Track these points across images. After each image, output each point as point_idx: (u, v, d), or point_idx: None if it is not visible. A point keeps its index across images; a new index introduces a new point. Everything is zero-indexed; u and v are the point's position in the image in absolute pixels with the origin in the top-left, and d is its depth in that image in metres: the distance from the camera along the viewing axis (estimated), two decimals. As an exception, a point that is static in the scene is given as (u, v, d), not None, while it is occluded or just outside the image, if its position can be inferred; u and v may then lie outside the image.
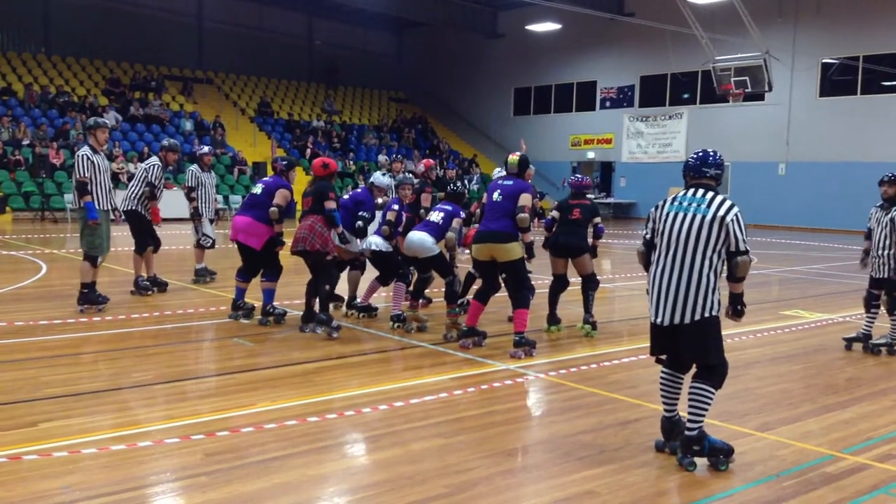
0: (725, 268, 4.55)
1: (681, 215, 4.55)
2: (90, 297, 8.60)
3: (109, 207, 8.59)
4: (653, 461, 4.62)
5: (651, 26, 25.59)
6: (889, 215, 7.58)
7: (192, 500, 3.96)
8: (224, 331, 8.06)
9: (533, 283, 7.63)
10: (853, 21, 24.91)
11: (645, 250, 4.82)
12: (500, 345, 7.50)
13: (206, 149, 11.41)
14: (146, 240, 9.86)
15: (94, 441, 4.69)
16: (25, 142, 23.82)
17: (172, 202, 16.91)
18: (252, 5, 33.97)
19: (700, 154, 4.71)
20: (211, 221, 10.96)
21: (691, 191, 4.61)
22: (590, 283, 8.26)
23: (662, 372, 4.75)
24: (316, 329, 7.58)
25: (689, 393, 4.55)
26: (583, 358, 7.23)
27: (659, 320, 4.58)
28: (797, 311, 10.00)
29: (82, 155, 8.38)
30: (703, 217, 4.46)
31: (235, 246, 8.40)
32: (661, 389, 4.74)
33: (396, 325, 8.14)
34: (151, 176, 9.78)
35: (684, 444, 4.52)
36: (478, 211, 7.48)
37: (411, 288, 8.47)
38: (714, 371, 4.56)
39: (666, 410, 4.73)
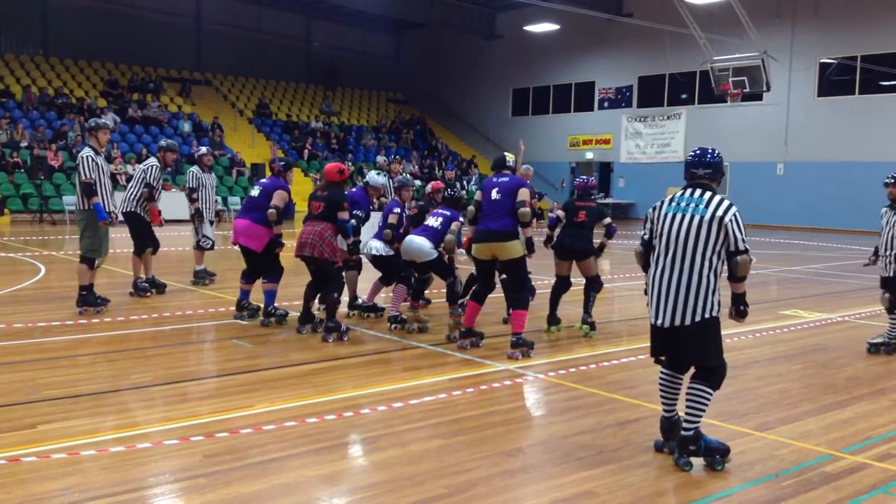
0: (726, 268, 4.55)
1: (679, 216, 4.54)
2: (89, 300, 8.59)
3: (110, 209, 8.60)
4: (652, 461, 4.62)
5: (649, 27, 25.59)
6: None
7: (191, 502, 3.96)
8: (223, 332, 8.06)
9: (533, 283, 7.63)
10: (851, 21, 24.95)
11: (643, 251, 4.81)
12: (498, 345, 7.50)
13: (204, 149, 11.40)
14: (145, 241, 9.86)
15: (94, 443, 4.68)
16: (24, 144, 23.81)
17: (170, 203, 16.88)
18: (250, 7, 33.99)
19: (698, 152, 4.69)
20: (211, 223, 10.95)
21: (689, 191, 4.60)
22: (593, 285, 8.26)
23: (661, 372, 4.75)
24: (327, 338, 7.55)
25: (687, 393, 4.55)
26: (582, 358, 7.23)
27: (659, 322, 4.58)
28: (796, 311, 10.01)
29: (87, 156, 8.38)
30: (702, 217, 4.46)
31: (234, 248, 8.41)
32: (661, 390, 4.74)
33: (394, 326, 8.14)
34: (150, 177, 9.77)
35: (680, 443, 4.52)
36: (471, 208, 7.39)
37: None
38: (713, 372, 4.55)
39: (665, 410, 4.73)
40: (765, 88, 22.73)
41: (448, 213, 8.02)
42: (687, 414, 4.51)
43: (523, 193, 7.11)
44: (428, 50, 37.83)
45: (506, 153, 7.61)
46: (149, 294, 9.80)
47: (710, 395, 4.53)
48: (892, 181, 7.57)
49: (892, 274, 7.54)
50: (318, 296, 7.97)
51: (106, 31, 30.13)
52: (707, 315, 4.46)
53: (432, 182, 9.43)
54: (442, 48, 37.03)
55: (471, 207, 7.42)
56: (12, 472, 4.21)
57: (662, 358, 4.74)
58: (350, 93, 37.09)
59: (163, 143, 10.45)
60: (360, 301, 8.90)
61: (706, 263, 4.46)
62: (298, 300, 8.37)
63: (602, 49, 31.42)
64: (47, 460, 4.38)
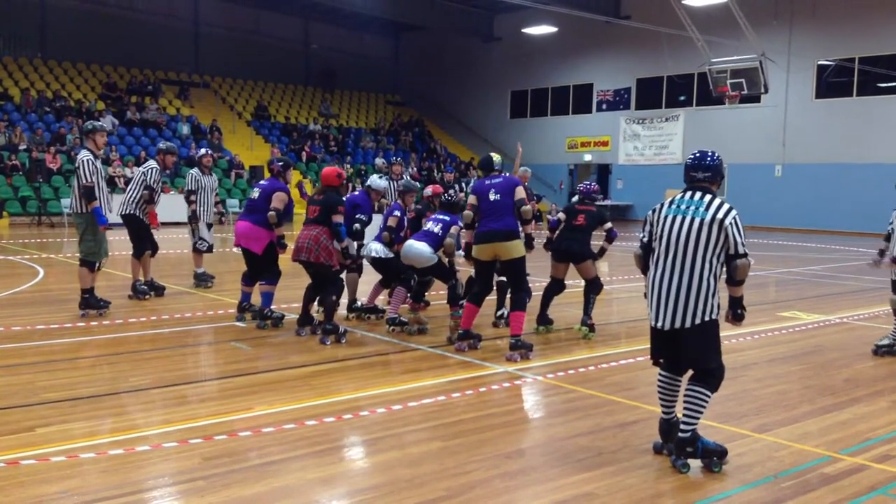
0: (724, 271, 4.55)
1: (679, 218, 4.54)
2: (91, 303, 8.60)
3: (108, 212, 8.61)
4: (651, 463, 4.63)
5: (647, 29, 25.64)
6: None
7: (190, 505, 3.96)
8: (222, 335, 8.06)
9: (530, 286, 7.63)
10: (848, 23, 24.99)
11: (642, 254, 4.80)
12: (497, 348, 7.51)
13: (203, 151, 11.37)
14: (144, 244, 9.86)
15: (92, 446, 4.68)
16: (22, 146, 23.81)
17: (169, 206, 16.90)
18: (248, 9, 34.00)
19: (697, 155, 4.69)
20: (209, 226, 10.94)
21: (689, 193, 4.60)
22: (593, 287, 8.25)
23: (660, 374, 4.75)
24: (325, 340, 7.55)
25: (685, 395, 4.55)
26: (580, 360, 7.24)
27: (659, 324, 4.58)
28: (794, 313, 10.01)
29: (86, 159, 8.37)
30: (702, 220, 4.46)
31: (232, 251, 8.41)
32: (659, 392, 4.74)
33: (393, 328, 8.14)
34: (150, 179, 9.77)
35: (678, 445, 4.52)
36: (468, 213, 7.38)
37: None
38: (711, 374, 4.56)
39: (664, 412, 4.73)
40: (763, 90, 22.77)
41: (447, 217, 8.05)
42: (684, 416, 4.51)
43: (521, 192, 7.16)
44: (426, 52, 37.86)
45: (491, 154, 7.59)
46: (147, 297, 9.80)
47: (709, 397, 4.53)
48: None
49: None
50: (318, 298, 7.98)
51: (104, 33, 30.14)
52: (707, 318, 4.47)
53: (431, 186, 9.44)
54: (440, 50, 37.06)
55: (467, 212, 7.41)
56: (11, 475, 4.20)
57: (661, 360, 4.75)
58: (348, 95, 37.11)
59: (162, 145, 10.44)
60: (359, 304, 8.90)
61: (706, 266, 4.46)
62: (297, 302, 8.37)
63: (600, 51, 31.46)
64: (46, 463, 4.38)
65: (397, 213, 8.47)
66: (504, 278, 8.05)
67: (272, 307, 8.29)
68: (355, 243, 8.29)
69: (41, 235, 19.08)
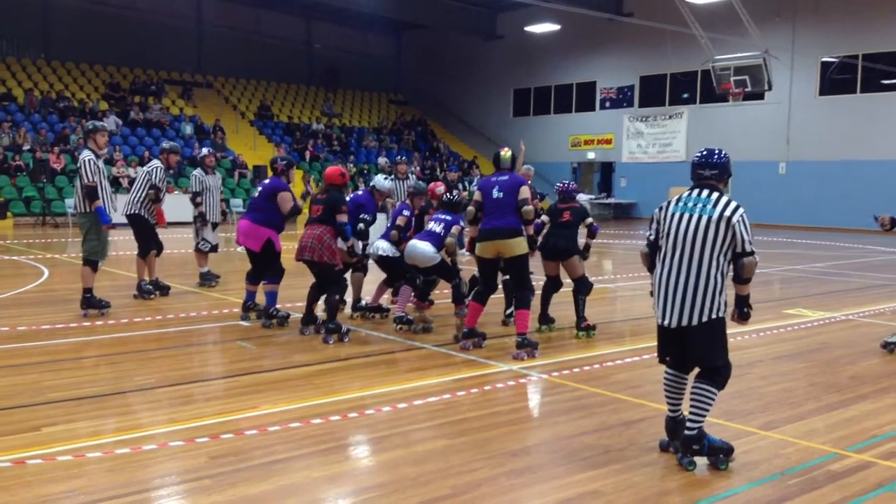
0: (731, 269, 4.54)
1: (686, 216, 4.53)
2: (93, 302, 8.61)
3: (110, 212, 8.62)
4: (657, 461, 4.62)
5: (650, 26, 25.61)
6: None
7: (196, 503, 3.96)
8: (227, 334, 8.07)
9: (533, 283, 7.63)
10: (852, 19, 24.93)
11: (649, 252, 4.79)
12: (502, 346, 7.50)
13: (205, 150, 11.35)
14: (149, 244, 9.87)
15: (98, 445, 4.69)
16: (26, 147, 23.85)
17: (172, 206, 16.87)
18: (250, 9, 34.00)
19: (704, 153, 4.67)
20: (215, 226, 10.93)
21: (696, 191, 4.59)
22: (581, 287, 8.13)
23: (666, 372, 4.74)
24: (328, 339, 7.56)
25: (692, 393, 4.54)
26: (585, 358, 7.23)
27: (666, 322, 4.57)
28: (799, 310, 9.99)
29: (88, 159, 8.39)
30: (710, 218, 4.44)
31: (236, 250, 8.42)
32: (665, 389, 4.73)
33: (400, 326, 8.14)
34: (155, 178, 9.78)
35: (684, 443, 4.51)
36: (471, 209, 7.38)
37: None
38: (718, 372, 4.55)
39: (670, 410, 4.72)
40: (766, 87, 22.75)
41: (449, 217, 8.06)
42: (691, 413, 4.51)
43: (524, 191, 7.14)
44: (429, 51, 37.84)
45: (502, 150, 7.51)
46: (153, 296, 9.81)
47: (715, 395, 4.53)
48: None
49: None
50: (322, 298, 7.98)
51: (107, 34, 30.16)
52: (714, 315, 4.46)
53: (436, 182, 9.45)
54: (443, 49, 37.04)
55: (470, 208, 7.41)
56: (17, 475, 4.21)
57: (667, 358, 4.74)
58: (351, 94, 37.11)
59: (165, 144, 10.45)
60: (363, 303, 8.90)
61: (713, 264, 4.45)
62: (301, 302, 8.38)
63: (603, 49, 31.42)
64: (52, 462, 4.38)
65: (406, 212, 8.49)
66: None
67: (277, 306, 8.29)
68: (360, 242, 8.30)
69: (45, 235, 19.11)
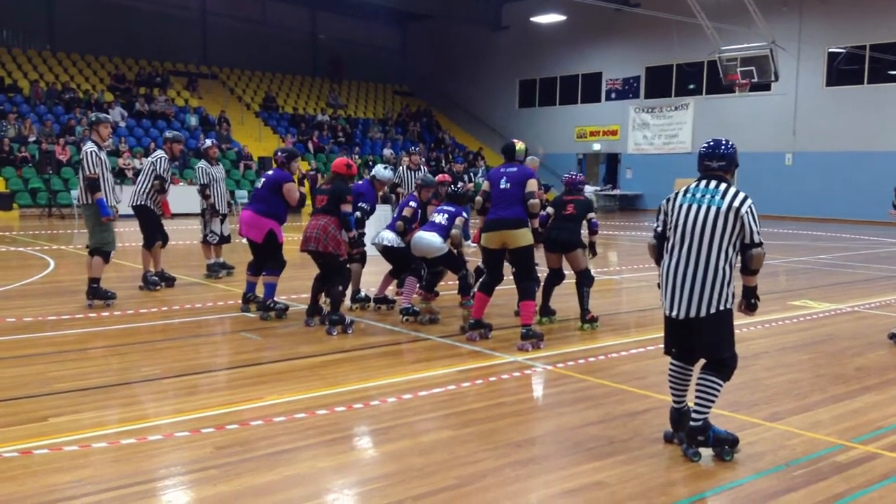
0: (739, 260, 4.52)
1: (695, 207, 4.50)
2: (99, 292, 8.64)
3: (113, 204, 8.65)
4: (662, 452, 4.62)
5: (656, 17, 25.50)
6: None
7: (202, 493, 3.97)
8: (232, 325, 8.09)
9: (539, 275, 7.63)
10: (859, 10, 24.79)
11: (657, 244, 4.76)
12: (507, 337, 7.50)
13: (209, 142, 11.34)
14: (154, 235, 9.88)
15: (104, 435, 4.71)
16: (32, 138, 23.90)
17: (178, 197, 16.92)
18: (255, 0, 33.95)
19: (711, 144, 4.65)
20: (224, 217, 10.95)
21: (704, 182, 4.57)
22: (584, 280, 8.11)
23: (671, 363, 4.73)
24: (331, 331, 7.56)
25: (697, 384, 4.53)
26: (590, 349, 7.23)
27: (674, 314, 4.55)
28: (805, 301, 9.97)
29: (91, 151, 8.42)
30: (718, 209, 4.42)
31: (242, 242, 8.42)
32: (670, 381, 4.72)
33: (406, 317, 8.15)
34: (159, 168, 9.78)
35: (689, 434, 4.51)
36: (478, 199, 7.40)
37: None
38: (724, 364, 4.54)
39: (675, 401, 4.72)
40: (773, 78, 22.64)
41: (453, 209, 8.06)
42: (696, 404, 4.50)
43: (532, 184, 7.14)
44: (434, 42, 37.76)
45: (514, 140, 7.53)
46: (158, 287, 9.83)
47: (721, 386, 4.52)
48: None
49: None
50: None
51: (112, 25, 30.18)
52: (722, 307, 4.45)
53: (439, 175, 9.45)
54: (448, 40, 36.96)
55: (478, 198, 7.43)
56: (24, 465, 4.23)
57: (673, 350, 4.72)
58: (356, 85, 37.07)
59: (168, 134, 10.45)
60: (362, 294, 8.89)
61: (722, 255, 4.43)
62: (305, 293, 8.39)
63: (609, 39, 31.31)
64: (59, 452, 4.40)
65: (413, 203, 8.49)
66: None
67: (275, 298, 8.28)
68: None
69: (51, 227, 19.16)
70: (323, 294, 8.06)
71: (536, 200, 7.09)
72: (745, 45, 22.65)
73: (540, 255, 7.75)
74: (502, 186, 7.17)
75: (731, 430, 4.66)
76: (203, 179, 10.76)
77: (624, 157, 31.72)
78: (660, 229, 4.74)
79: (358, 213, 8.12)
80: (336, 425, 5.00)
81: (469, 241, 8.02)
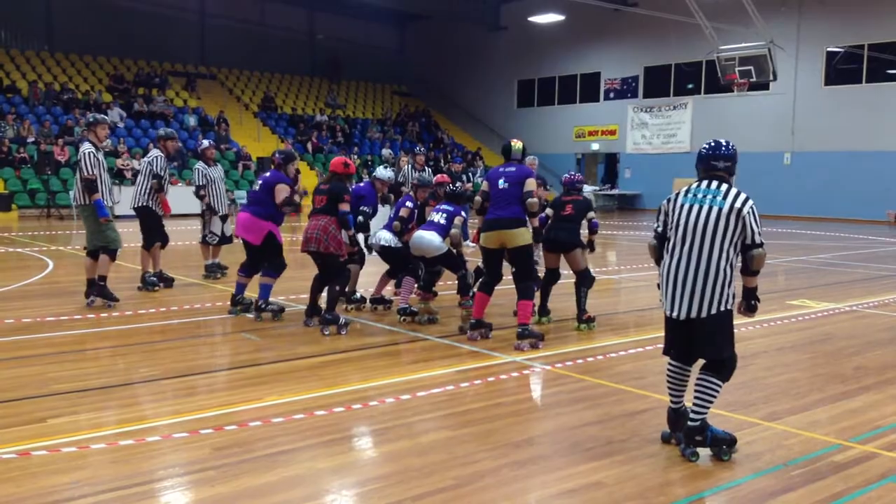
0: (739, 261, 4.52)
1: (696, 207, 4.50)
2: (105, 292, 8.65)
3: (111, 203, 8.65)
4: (660, 452, 4.62)
5: (654, 16, 25.50)
6: None
7: (200, 494, 3.98)
8: (231, 326, 8.08)
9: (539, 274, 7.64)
10: (858, 9, 24.80)
11: (657, 244, 4.76)
12: (506, 337, 7.50)
13: (206, 143, 11.32)
14: (154, 236, 9.89)
15: (103, 436, 4.71)
16: (30, 139, 23.88)
17: (176, 197, 16.88)
18: (254, 1, 33.95)
19: (712, 144, 4.65)
20: (224, 217, 10.94)
21: (705, 182, 4.56)
22: (583, 280, 8.10)
23: (670, 363, 4.73)
24: (324, 330, 7.56)
25: (696, 384, 4.54)
26: (589, 349, 7.23)
27: (675, 314, 4.55)
28: (804, 301, 9.98)
29: (88, 152, 8.42)
30: (720, 209, 4.43)
31: (238, 242, 8.41)
32: (668, 381, 4.73)
33: (404, 318, 8.15)
34: (156, 167, 9.78)
35: (687, 434, 4.51)
36: (477, 199, 7.42)
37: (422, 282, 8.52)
38: (723, 364, 4.54)
39: (672, 402, 4.72)
40: (771, 78, 22.63)
41: (451, 208, 8.07)
42: (694, 405, 4.51)
43: (530, 183, 7.14)
44: (432, 42, 37.76)
45: (512, 140, 7.54)
46: (157, 288, 9.83)
47: (720, 387, 4.52)
48: None
49: None
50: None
51: (110, 26, 30.15)
52: (722, 308, 4.45)
53: (438, 175, 9.46)
54: (446, 40, 36.95)
55: (477, 198, 7.44)
56: (23, 466, 4.23)
57: (672, 350, 4.73)
58: (355, 85, 37.07)
59: (161, 132, 10.42)
60: (358, 295, 8.88)
61: (723, 255, 4.43)
62: (304, 293, 8.39)
63: (607, 39, 31.31)
64: (57, 454, 4.40)
65: (410, 204, 8.49)
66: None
67: (271, 299, 8.27)
68: (360, 235, 8.30)
69: (50, 228, 19.15)
70: (323, 294, 8.05)
71: (535, 200, 7.09)
72: (744, 45, 22.64)
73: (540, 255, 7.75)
74: (501, 186, 7.18)
75: (729, 429, 4.67)
76: (199, 181, 10.74)
77: (622, 156, 31.72)
78: (660, 229, 4.74)
79: (360, 217, 8.10)
80: (335, 426, 5.01)
81: (468, 241, 8.03)
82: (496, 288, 7.48)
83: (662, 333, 4.78)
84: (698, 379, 4.55)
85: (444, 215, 8.02)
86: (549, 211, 8.33)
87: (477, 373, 6.34)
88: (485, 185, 7.38)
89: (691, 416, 4.51)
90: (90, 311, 8.46)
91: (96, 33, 29.93)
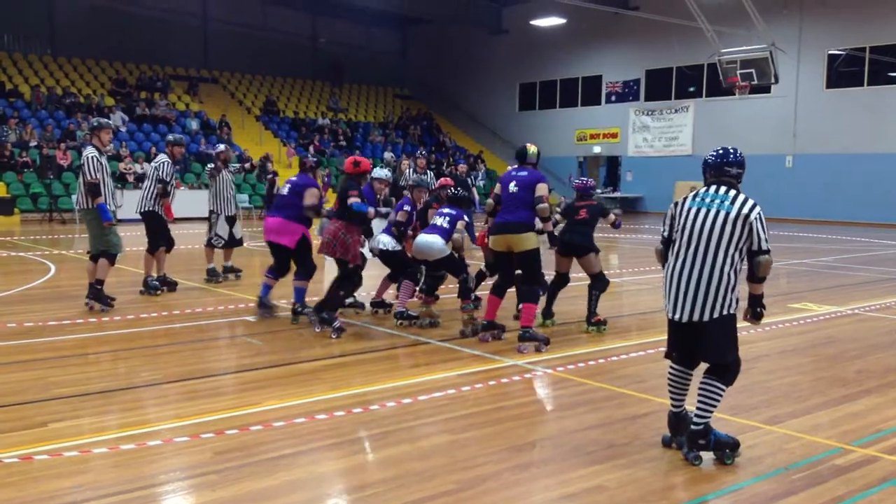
0: (745, 267, 4.52)
1: (703, 211, 4.51)
2: (101, 296, 8.66)
3: (114, 208, 8.67)
4: (662, 456, 4.62)
5: (656, 20, 25.51)
6: None
7: (202, 499, 3.98)
8: (233, 330, 8.10)
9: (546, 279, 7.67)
10: (859, 12, 24.80)
11: (664, 249, 4.77)
12: (508, 341, 7.51)
13: (221, 146, 11.51)
14: (159, 240, 9.93)
15: (104, 441, 4.71)
16: (33, 143, 23.91)
17: (180, 201, 16.92)
18: (256, 5, 34.00)
19: (720, 152, 4.65)
20: (233, 220, 11.00)
21: (713, 188, 4.57)
22: (597, 283, 8.16)
23: (671, 367, 4.73)
24: (317, 328, 7.60)
25: (700, 388, 4.53)
26: (590, 353, 7.23)
27: (677, 316, 4.55)
28: (805, 304, 9.97)
29: (91, 156, 8.45)
30: (727, 214, 4.43)
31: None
32: (670, 385, 4.72)
33: (400, 321, 8.16)
34: (162, 173, 9.83)
35: (690, 438, 4.51)
36: (490, 202, 7.55)
37: (422, 286, 8.52)
38: (727, 368, 4.54)
39: (673, 405, 4.72)
40: (773, 80, 22.63)
41: (454, 212, 8.08)
42: (698, 408, 4.50)
43: (541, 188, 7.21)
44: (434, 45, 37.79)
45: (527, 144, 7.59)
46: (159, 292, 9.84)
47: (723, 391, 4.52)
48: None
49: None
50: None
51: (113, 30, 30.19)
52: (725, 311, 4.44)
53: (440, 178, 9.47)
54: (448, 43, 36.98)
55: (489, 201, 7.61)
56: (25, 470, 4.24)
57: (674, 354, 4.72)
58: (357, 89, 37.10)
59: (170, 137, 10.54)
60: (352, 300, 8.85)
61: (728, 260, 4.43)
62: (316, 297, 8.38)
63: (609, 43, 31.33)
64: (59, 458, 4.41)
65: (407, 207, 8.50)
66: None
67: (305, 302, 8.27)
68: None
69: (52, 232, 19.17)
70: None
71: (545, 205, 7.17)
72: (745, 48, 22.64)
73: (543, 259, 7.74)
74: (511, 190, 7.28)
75: (731, 433, 4.66)
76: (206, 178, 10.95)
77: (624, 159, 31.72)
78: (666, 234, 4.75)
79: (371, 209, 8.04)
80: (335, 430, 5.01)
81: (474, 245, 8.10)
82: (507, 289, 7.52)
83: (664, 337, 4.78)
84: (702, 383, 4.54)
85: (447, 219, 8.03)
86: (558, 217, 8.38)
87: (478, 376, 6.34)
88: (497, 188, 7.49)
89: (695, 419, 4.51)
90: (92, 314, 8.47)
91: (99, 37, 29.97)
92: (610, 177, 32.82)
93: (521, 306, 7.58)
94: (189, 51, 32.62)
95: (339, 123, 32.82)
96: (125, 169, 23.43)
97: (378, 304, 8.85)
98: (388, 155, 17.81)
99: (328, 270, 9.32)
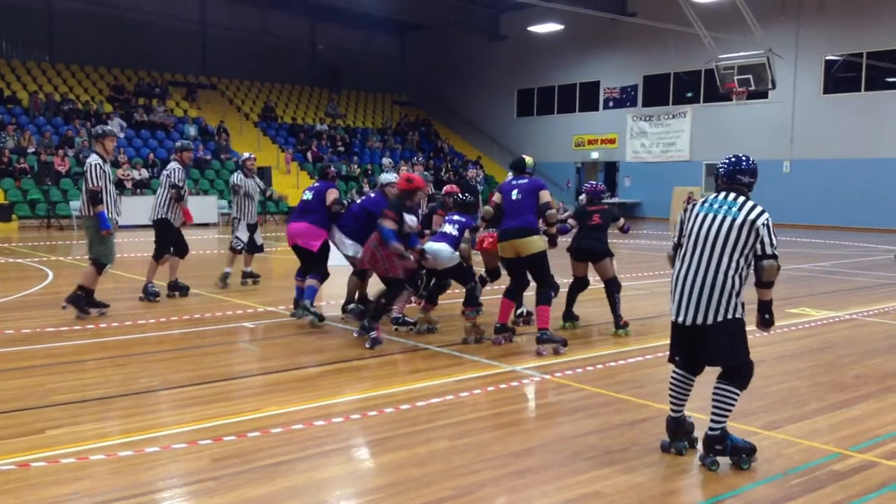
0: (752, 274, 4.53)
1: (710, 216, 4.54)
2: (79, 303, 8.59)
3: (114, 217, 8.67)
4: (660, 461, 4.62)
5: (653, 26, 25.57)
6: None
7: (200, 505, 3.98)
8: (231, 336, 8.10)
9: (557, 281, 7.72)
10: (856, 17, 24.87)
11: (675, 254, 4.83)
12: (506, 346, 7.51)
13: (247, 155, 11.75)
14: (166, 248, 9.98)
15: (102, 447, 4.71)
16: (31, 149, 23.92)
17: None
18: (255, 11, 34.07)
19: (733, 160, 4.69)
20: (254, 227, 11.26)
21: (723, 194, 4.61)
22: (613, 287, 8.24)
23: (674, 372, 4.73)
24: (357, 332, 7.76)
25: (714, 393, 4.54)
26: (589, 358, 7.23)
27: (681, 319, 4.57)
28: (803, 309, 9.98)
29: (95, 164, 8.47)
30: (734, 220, 4.46)
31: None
32: (671, 389, 4.72)
33: (397, 328, 8.17)
34: (174, 178, 9.88)
35: (707, 443, 4.51)
36: (488, 209, 7.63)
37: (422, 291, 8.53)
38: (739, 372, 4.55)
39: (672, 410, 4.72)
40: (770, 86, 22.64)
41: (463, 219, 8.08)
42: (713, 413, 4.51)
43: (545, 195, 7.41)
44: (432, 51, 37.86)
45: (524, 156, 7.85)
46: (158, 299, 9.83)
47: (737, 395, 4.53)
48: None
49: None
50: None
51: (111, 36, 30.21)
52: (730, 316, 4.45)
53: (446, 186, 9.48)
54: (446, 49, 37.05)
55: (488, 208, 7.69)
56: (22, 478, 4.23)
57: (677, 358, 4.73)
58: (355, 95, 37.14)
59: (178, 143, 10.68)
60: (352, 306, 8.83)
61: (732, 265, 4.45)
62: (335, 300, 8.45)
63: (606, 49, 31.39)
64: (56, 465, 4.40)
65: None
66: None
67: (313, 300, 8.41)
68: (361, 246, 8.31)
69: (50, 238, 19.16)
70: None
71: (554, 211, 7.38)
72: (742, 54, 22.67)
73: (555, 263, 7.74)
74: (514, 197, 7.41)
75: (744, 438, 4.65)
76: (234, 182, 11.32)
77: (622, 165, 31.76)
78: (676, 239, 4.80)
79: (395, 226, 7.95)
80: (333, 436, 5.00)
81: (474, 249, 8.16)
82: (496, 296, 7.53)
83: (662, 342, 4.80)
84: (715, 388, 4.55)
85: (457, 226, 8.00)
86: (572, 222, 8.44)
87: (477, 382, 6.33)
88: (497, 198, 7.60)
89: (711, 425, 4.52)
90: (90, 321, 8.46)
91: (97, 44, 29.99)
92: (608, 182, 32.81)
93: (536, 308, 7.57)
94: (187, 57, 32.65)
95: (338, 129, 32.86)
96: (123, 175, 23.42)
97: (397, 321, 8.66)
98: (386, 160, 17.82)
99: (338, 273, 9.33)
